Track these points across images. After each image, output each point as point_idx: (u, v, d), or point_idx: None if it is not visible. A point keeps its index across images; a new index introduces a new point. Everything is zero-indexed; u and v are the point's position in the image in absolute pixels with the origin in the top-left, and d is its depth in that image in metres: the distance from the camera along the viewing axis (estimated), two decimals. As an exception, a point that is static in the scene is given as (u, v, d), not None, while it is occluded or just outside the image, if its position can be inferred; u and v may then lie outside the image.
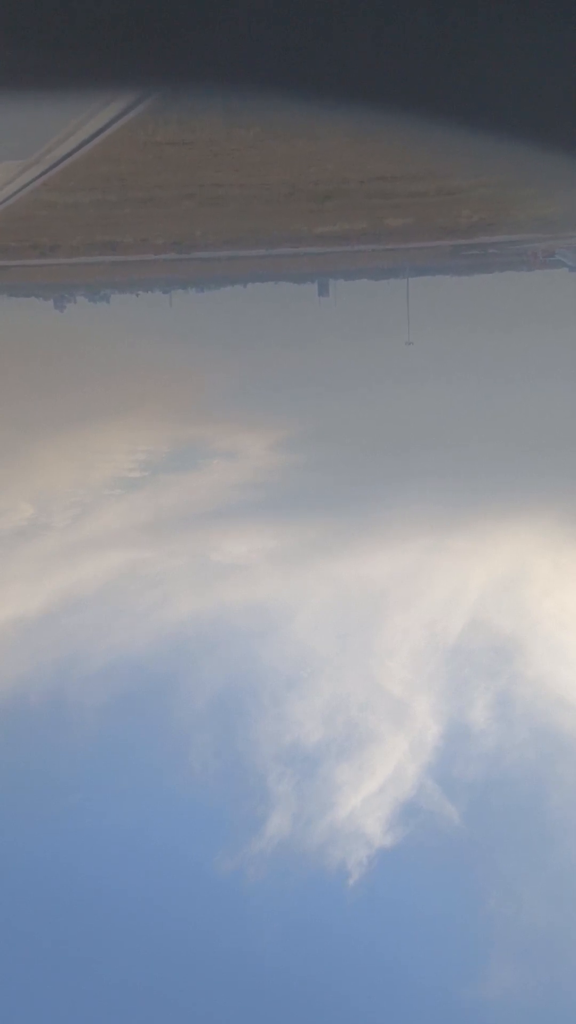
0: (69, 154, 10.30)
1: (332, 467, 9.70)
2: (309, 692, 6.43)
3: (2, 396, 10.82)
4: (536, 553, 8.09)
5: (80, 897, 5.14)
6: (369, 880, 5.14)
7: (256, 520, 8.89)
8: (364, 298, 14.37)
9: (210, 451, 10.25)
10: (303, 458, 10.00)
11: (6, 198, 11.37)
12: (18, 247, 13.55)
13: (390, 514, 8.56)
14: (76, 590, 7.65)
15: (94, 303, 14.76)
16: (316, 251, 13.77)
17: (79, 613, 7.46)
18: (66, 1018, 4.64)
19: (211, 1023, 4.62)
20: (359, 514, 8.64)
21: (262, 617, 7.43)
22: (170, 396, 11.11)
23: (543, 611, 7.44)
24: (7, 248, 13.72)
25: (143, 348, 12.47)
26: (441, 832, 5.42)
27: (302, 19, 3.95)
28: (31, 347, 12.36)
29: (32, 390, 11.11)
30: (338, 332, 12.85)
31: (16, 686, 6.59)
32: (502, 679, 6.50)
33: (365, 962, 4.86)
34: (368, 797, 5.60)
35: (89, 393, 11.00)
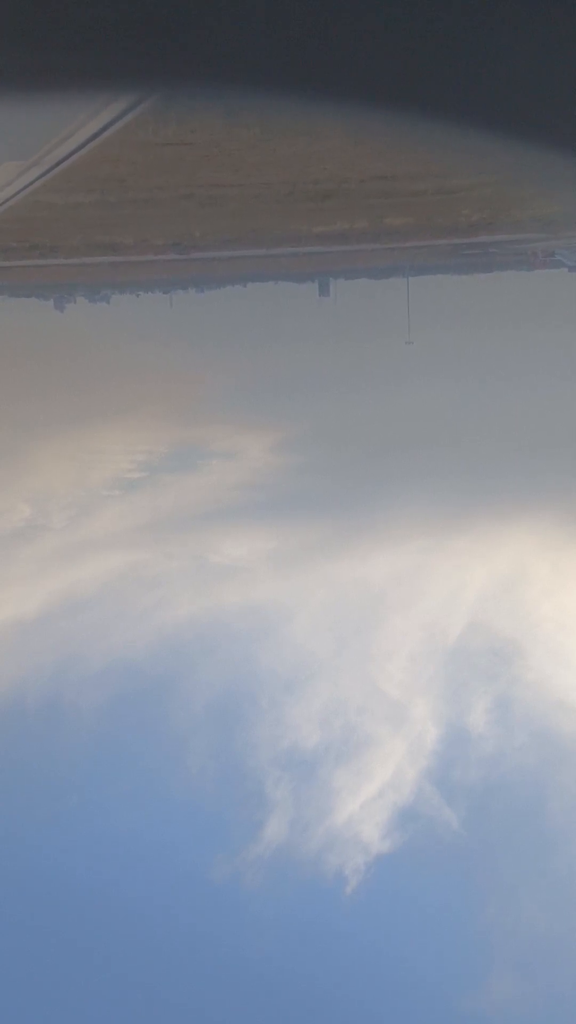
0: (69, 155, 10.29)
1: (332, 468, 9.67)
2: (307, 695, 6.42)
3: (2, 396, 10.80)
4: (536, 554, 8.06)
5: (76, 900, 5.12)
6: (367, 887, 5.12)
7: (255, 521, 8.87)
8: (364, 298, 14.35)
9: (209, 452, 10.23)
10: (302, 459, 9.98)
11: (6, 199, 11.36)
12: (18, 248, 13.54)
13: (389, 515, 8.54)
14: (74, 592, 7.64)
15: (94, 304, 14.73)
16: (316, 251, 13.75)
17: (77, 615, 7.44)
18: (63, 1020, 4.62)
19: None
20: (359, 515, 8.62)
21: (261, 619, 7.41)
22: (169, 397, 11.09)
23: (543, 613, 7.41)
24: (7, 249, 13.71)
25: (143, 349, 12.45)
26: (440, 838, 5.40)
27: (302, 19, 3.94)
28: (31, 347, 12.34)
29: (31, 390, 11.09)
30: (338, 332, 12.83)
31: (14, 688, 6.58)
32: (501, 682, 6.48)
33: (363, 970, 4.84)
34: (366, 802, 5.58)
35: (88, 394, 10.98)
